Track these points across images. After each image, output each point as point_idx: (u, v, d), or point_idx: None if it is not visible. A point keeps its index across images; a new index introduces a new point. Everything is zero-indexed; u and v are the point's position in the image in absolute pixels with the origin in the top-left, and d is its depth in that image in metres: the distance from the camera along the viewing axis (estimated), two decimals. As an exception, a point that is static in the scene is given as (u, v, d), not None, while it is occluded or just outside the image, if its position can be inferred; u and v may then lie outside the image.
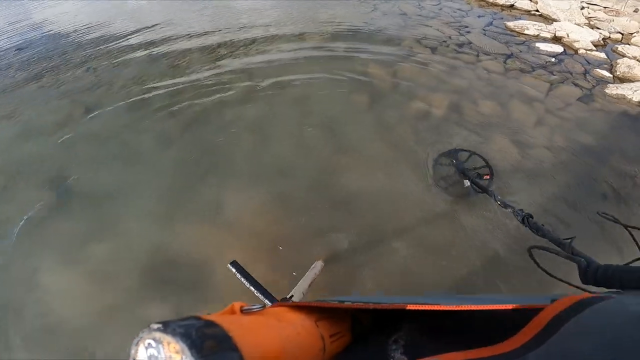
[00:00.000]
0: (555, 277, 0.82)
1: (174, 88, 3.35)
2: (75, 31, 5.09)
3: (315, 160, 2.49)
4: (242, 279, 0.81)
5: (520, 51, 3.98)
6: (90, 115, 3.09)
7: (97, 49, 4.37)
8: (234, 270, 0.82)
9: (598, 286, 0.66)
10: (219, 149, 2.61)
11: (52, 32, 5.23)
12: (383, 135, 2.69)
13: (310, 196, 2.25)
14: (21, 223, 2.19)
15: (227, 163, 2.50)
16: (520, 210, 1.24)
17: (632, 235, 0.80)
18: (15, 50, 4.69)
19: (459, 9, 5.37)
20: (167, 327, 0.27)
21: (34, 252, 2.04)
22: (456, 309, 0.43)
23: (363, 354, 0.49)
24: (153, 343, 0.27)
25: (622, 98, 3.29)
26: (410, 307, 0.43)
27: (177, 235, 2.05)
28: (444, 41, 4.14)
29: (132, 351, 0.28)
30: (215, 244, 1.99)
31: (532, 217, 1.17)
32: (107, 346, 1.61)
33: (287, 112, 2.95)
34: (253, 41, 4.17)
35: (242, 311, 0.38)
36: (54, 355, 1.63)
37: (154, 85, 3.43)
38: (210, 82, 3.39)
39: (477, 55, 3.81)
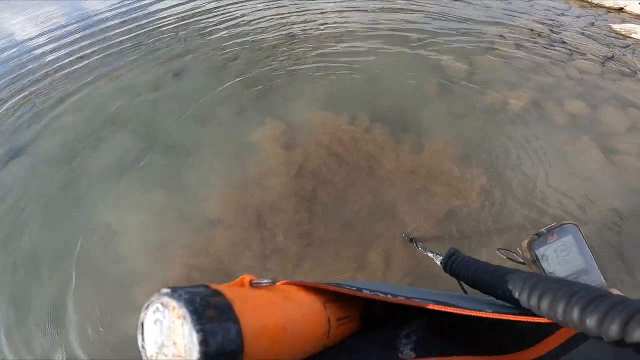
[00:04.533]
0: None
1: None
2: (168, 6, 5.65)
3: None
4: None
5: (624, 54, 3.54)
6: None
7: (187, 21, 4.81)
8: None
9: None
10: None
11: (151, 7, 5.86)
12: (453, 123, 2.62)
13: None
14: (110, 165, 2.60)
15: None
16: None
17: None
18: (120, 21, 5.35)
19: (554, 7, 4.92)
20: (174, 292, 0.29)
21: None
22: (478, 315, 0.41)
23: (372, 343, 0.48)
24: (160, 307, 0.29)
25: None
26: (430, 307, 0.42)
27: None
28: (532, 38, 3.83)
29: (142, 314, 0.30)
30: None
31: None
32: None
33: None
34: (330, 23, 4.27)
35: (252, 285, 0.38)
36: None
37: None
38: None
39: (570, 55, 3.48)
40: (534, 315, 0.42)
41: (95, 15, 5.85)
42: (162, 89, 3.40)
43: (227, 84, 3.28)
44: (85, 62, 4.13)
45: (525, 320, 0.41)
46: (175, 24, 4.87)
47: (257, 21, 4.63)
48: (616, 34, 4.11)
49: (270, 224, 2.11)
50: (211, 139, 2.71)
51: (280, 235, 2.05)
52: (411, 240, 1.89)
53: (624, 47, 3.68)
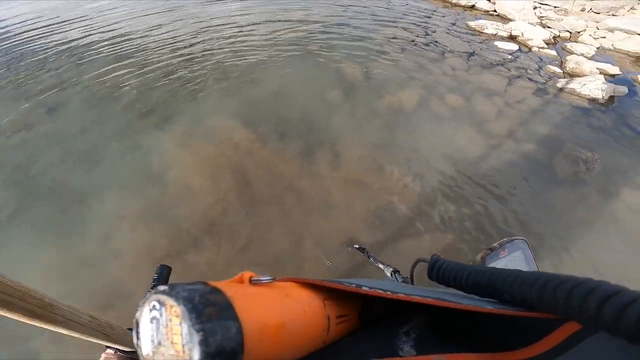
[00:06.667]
0: None
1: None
2: (32, 31, 4.81)
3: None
4: None
5: (481, 49, 4.24)
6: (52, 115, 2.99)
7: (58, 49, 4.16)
8: None
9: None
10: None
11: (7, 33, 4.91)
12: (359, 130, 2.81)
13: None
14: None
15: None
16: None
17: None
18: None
19: (425, 9, 5.63)
20: (172, 289, 0.28)
21: None
22: (480, 311, 0.42)
23: (372, 341, 0.48)
24: (157, 305, 0.28)
25: (572, 92, 3.60)
26: (431, 302, 0.42)
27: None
28: (412, 40, 4.33)
29: (137, 312, 0.29)
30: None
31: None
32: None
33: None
34: (228, 37, 4.15)
35: (251, 282, 0.37)
36: None
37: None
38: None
39: (443, 54, 4.02)
40: (536, 311, 0.42)
41: None
42: (34, 128, 2.88)
43: (116, 115, 2.94)
44: None
45: (526, 316, 0.42)
46: (40, 47, 4.17)
47: (143, 36, 4.25)
48: (473, 30, 4.90)
49: (186, 254, 2.00)
50: (105, 176, 2.41)
51: (196, 260, 1.97)
52: (362, 250, 1.90)
53: (480, 43, 4.41)
